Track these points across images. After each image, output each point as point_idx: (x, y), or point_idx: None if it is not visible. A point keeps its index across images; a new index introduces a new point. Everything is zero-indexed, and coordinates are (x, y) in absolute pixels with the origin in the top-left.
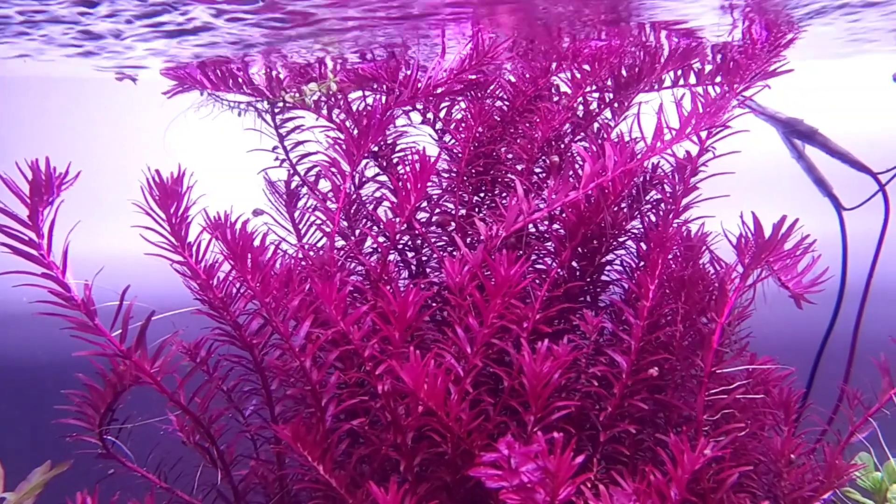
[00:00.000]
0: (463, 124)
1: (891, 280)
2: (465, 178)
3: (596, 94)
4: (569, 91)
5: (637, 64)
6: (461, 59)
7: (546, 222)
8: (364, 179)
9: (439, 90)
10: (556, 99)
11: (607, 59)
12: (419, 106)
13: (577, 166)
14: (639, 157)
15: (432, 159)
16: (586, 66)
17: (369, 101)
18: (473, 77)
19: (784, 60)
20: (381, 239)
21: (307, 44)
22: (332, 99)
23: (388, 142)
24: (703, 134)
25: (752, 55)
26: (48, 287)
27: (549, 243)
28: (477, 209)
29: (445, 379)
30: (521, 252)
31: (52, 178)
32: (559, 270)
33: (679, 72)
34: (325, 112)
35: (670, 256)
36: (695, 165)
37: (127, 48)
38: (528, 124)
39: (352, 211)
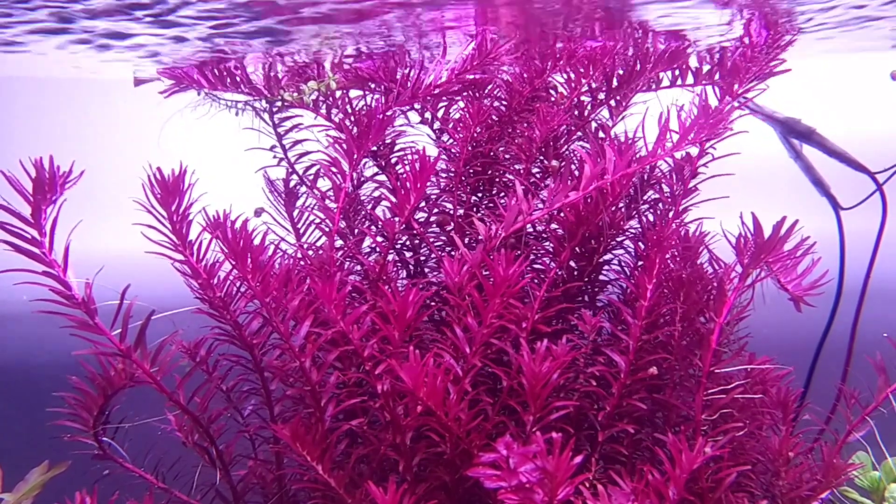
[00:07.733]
0: (461, 124)
1: (888, 279)
2: (462, 178)
3: (593, 95)
4: (565, 91)
5: (632, 63)
6: (464, 58)
7: (545, 223)
8: (362, 179)
9: (438, 90)
10: (552, 99)
11: (601, 60)
12: (417, 106)
13: (573, 167)
14: (639, 158)
15: (431, 159)
16: (581, 68)
17: (368, 100)
18: (473, 77)
19: (782, 61)
20: (379, 239)
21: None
22: (331, 98)
23: (387, 142)
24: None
25: (751, 57)
26: (49, 286)
27: (548, 243)
28: (475, 209)
29: (444, 379)
30: (519, 252)
31: (56, 177)
32: (558, 270)
33: (676, 72)
34: (323, 111)
35: (668, 256)
36: (693, 166)
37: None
38: (525, 124)
39: (350, 210)
